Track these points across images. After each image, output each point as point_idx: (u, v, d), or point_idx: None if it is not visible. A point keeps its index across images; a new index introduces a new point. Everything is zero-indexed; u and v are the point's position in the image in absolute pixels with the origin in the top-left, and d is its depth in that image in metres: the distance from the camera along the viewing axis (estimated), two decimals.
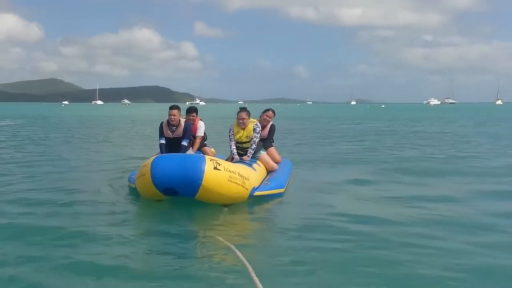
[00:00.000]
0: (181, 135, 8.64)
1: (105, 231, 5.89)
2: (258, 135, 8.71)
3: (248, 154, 8.54)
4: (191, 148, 8.92)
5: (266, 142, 9.36)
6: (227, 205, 7.12)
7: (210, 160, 6.95)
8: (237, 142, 8.76)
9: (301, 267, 4.67)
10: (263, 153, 8.91)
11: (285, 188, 8.21)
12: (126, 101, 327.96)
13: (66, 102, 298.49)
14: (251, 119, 8.80)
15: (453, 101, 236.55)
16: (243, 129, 8.67)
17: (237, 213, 7.06)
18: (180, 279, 4.40)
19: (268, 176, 8.60)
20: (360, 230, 5.99)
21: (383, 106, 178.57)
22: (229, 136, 8.82)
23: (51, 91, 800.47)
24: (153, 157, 7.24)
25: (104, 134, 25.06)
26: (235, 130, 8.75)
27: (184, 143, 8.58)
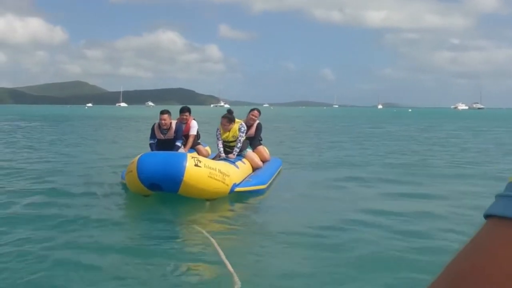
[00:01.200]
0: (172, 137, 9.32)
1: (95, 222, 6.63)
2: (243, 134, 9.40)
3: (234, 153, 9.23)
4: (182, 147, 9.60)
5: (254, 141, 10.09)
6: (209, 199, 7.84)
7: (192, 158, 7.71)
8: (224, 141, 9.46)
9: (271, 256, 5.36)
10: (249, 151, 9.62)
11: (266, 184, 8.86)
12: (150, 103, 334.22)
13: (90, 105, 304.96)
14: (237, 120, 9.51)
15: (482, 106, 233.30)
16: (229, 130, 9.39)
17: (218, 207, 7.78)
18: (160, 262, 5.07)
19: (252, 173, 9.28)
20: (333, 226, 6.50)
21: (410, 110, 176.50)
22: (217, 136, 9.55)
23: (76, 94, 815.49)
24: (140, 155, 8.02)
25: (118, 134, 26.07)
26: (222, 130, 9.47)
27: (178, 143, 9.27)
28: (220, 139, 9.47)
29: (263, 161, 10.10)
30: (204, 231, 6.17)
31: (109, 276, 4.71)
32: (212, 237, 5.81)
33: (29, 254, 5.20)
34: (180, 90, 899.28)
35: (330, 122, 49.52)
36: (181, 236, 6.50)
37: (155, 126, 9.50)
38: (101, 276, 4.69)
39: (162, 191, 7.72)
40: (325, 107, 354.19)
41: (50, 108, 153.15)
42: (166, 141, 9.30)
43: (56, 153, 15.69)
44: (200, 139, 10.66)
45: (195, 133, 10.07)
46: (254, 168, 9.57)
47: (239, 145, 9.32)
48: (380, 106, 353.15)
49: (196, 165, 7.59)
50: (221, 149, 9.39)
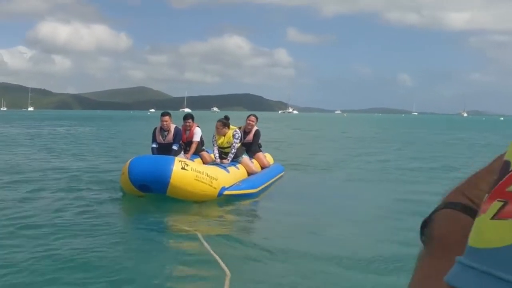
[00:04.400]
0: (171, 141, 10.35)
1: (91, 220, 7.66)
2: (238, 141, 10.32)
3: (228, 158, 10.17)
4: (182, 153, 10.61)
5: (252, 147, 11.02)
6: (198, 202, 8.79)
7: (179, 161, 8.70)
8: (219, 147, 10.42)
9: (255, 248, 6.20)
10: (244, 157, 10.52)
11: (257, 189, 9.67)
12: (215, 109, 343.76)
13: (152, 110, 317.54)
14: (232, 126, 10.45)
15: None
16: (224, 135, 10.33)
17: (206, 208, 8.68)
18: (149, 258, 5.87)
19: (245, 178, 10.13)
20: (315, 227, 7.27)
21: (501, 118, 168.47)
22: (212, 142, 10.53)
23: (139, 99, 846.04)
24: (131, 158, 9.12)
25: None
26: (217, 136, 10.43)
27: (174, 147, 10.27)
28: (215, 145, 10.42)
29: (262, 167, 10.98)
30: (189, 228, 7.07)
31: (98, 270, 5.31)
32: (199, 233, 6.66)
33: (16, 253, 5.96)
34: (247, 96, 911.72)
35: (397, 129, 49.16)
36: (169, 233, 7.38)
37: (157, 130, 10.54)
38: (90, 271, 5.23)
39: (151, 192, 8.74)
40: (403, 114, 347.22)
41: (112, 113, 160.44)
42: (165, 145, 10.33)
43: (84, 156, 17.26)
44: (205, 145, 11.61)
45: (198, 139, 10.98)
46: (249, 174, 10.41)
47: (233, 151, 10.21)
48: (465, 114, 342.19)
49: (183, 168, 8.58)
50: (217, 154, 10.33)
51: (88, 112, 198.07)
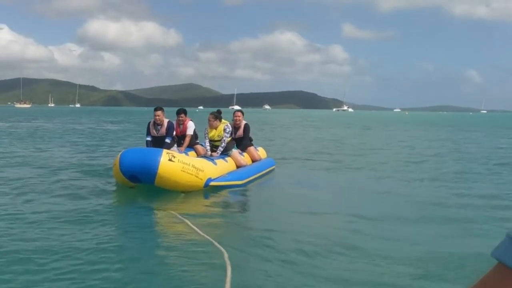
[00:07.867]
0: (164, 134, 11.36)
1: (86, 208, 8.55)
2: (228, 135, 11.26)
3: (218, 151, 11.11)
4: (176, 145, 11.62)
5: (244, 141, 11.96)
6: (184, 192, 9.74)
7: (167, 153, 9.67)
8: (210, 140, 11.38)
9: (243, 228, 7.21)
10: (234, 151, 11.46)
11: (243, 181, 10.58)
12: (267, 106, 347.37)
13: (201, 107, 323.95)
14: (223, 121, 11.40)
15: None
16: (215, 129, 11.28)
17: (192, 197, 9.59)
18: (138, 243, 6.38)
19: (233, 170, 11.02)
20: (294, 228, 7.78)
21: None
22: (204, 135, 11.50)
23: (188, 96, 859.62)
24: (122, 150, 10.16)
25: None
26: (209, 130, 11.40)
27: (167, 140, 11.29)
28: (207, 138, 11.40)
29: (253, 161, 11.85)
30: (178, 214, 7.98)
31: (90, 259, 5.63)
32: (186, 219, 7.60)
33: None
34: (300, 93, 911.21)
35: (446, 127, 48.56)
36: (158, 220, 8.17)
37: (150, 124, 11.60)
38: (82, 260, 5.58)
39: (140, 182, 9.73)
40: (471, 113, 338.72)
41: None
42: (159, 138, 11.38)
43: (89, 150, 18.68)
44: (198, 139, 12.59)
45: (191, 133, 11.97)
46: (238, 167, 11.32)
47: (223, 144, 11.16)
48: None
49: (170, 160, 9.53)
50: (208, 147, 11.31)
51: (134, 109, 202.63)
